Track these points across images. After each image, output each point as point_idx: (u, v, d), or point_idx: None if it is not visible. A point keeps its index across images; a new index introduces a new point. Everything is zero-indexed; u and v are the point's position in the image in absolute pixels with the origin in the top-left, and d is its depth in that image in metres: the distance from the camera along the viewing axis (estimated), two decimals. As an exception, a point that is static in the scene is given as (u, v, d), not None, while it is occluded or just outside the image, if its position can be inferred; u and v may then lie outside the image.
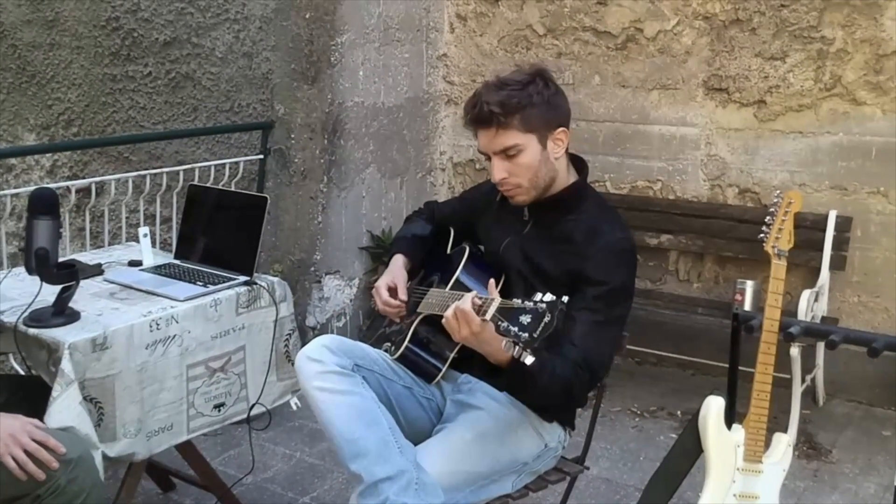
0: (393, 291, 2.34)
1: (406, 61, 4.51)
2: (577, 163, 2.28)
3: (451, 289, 2.20)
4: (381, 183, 4.50)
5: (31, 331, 2.21)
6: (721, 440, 2.21)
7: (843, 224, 3.81)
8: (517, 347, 1.72)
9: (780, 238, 2.26)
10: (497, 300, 1.81)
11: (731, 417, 2.26)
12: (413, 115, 4.62)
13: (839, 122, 3.85)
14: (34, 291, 2.25)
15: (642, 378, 4.21)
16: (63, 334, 2.17)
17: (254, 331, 2.58)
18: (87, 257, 2.85)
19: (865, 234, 3.84)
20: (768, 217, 2.29)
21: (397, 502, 1.93)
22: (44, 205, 2.22)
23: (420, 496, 1.95)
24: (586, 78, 4.38)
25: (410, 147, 4.65)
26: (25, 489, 1.95)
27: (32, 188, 2.49)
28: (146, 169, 3.87)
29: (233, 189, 3.89)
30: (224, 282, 2.55)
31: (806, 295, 3.54)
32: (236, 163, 4.06)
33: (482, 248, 2.38)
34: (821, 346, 3.81)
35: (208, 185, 3.68)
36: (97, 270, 2.63)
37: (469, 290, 1.96)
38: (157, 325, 2.32)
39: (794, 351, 3.43)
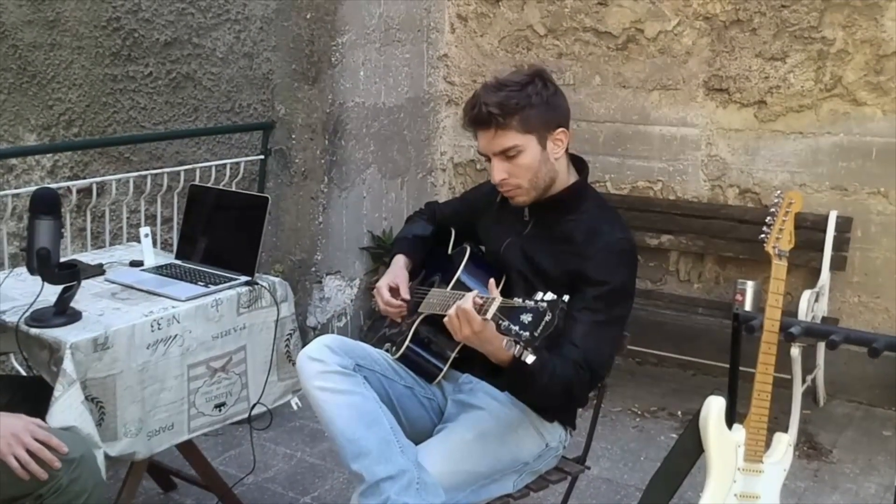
0: (394, 291, 2.34)
1: (407, 62, 4.52)
2: (578, 163, 2.28)
3: (453, 289, 2.20)
4: (382, 183, 4.50)
5: (33, 331, 2.22)
6: (722, 440, 2.22)
7: (844, 224, 3.81)
8: (518, 346, 1.73)
9: (780, 238, 2.26)
10: (498, 299, 1.81)
11: (732, 417, 2.26)
12: (414, 115, 4.62)
13: (839, 123, 3.85)
14: (35, 291, 2.25)
15: (643, 378, 4.21)
16: (65, 334, 2.17)
17: (255, 331, 2.58)
18: (89, 257, 2.85)
19: (866, 235, 3.85)
20: (769, 217, 2.29)
21: (398, 502, 1.93)
22: (45, 205, 2.22)
23: (421, 496, 1.96)
24: (587, 78, 4.38)
25: (411, 147, 4.65)
26: (27, 489, 1.95)
27: (33, 188, 2.50)
28: (147, 169, 3.88)
29: (233, 189, 3.90)
30: (225, 282, 2.55)
31: (806, 295, 3.54)
32: (237, 163, 4.07)
33: (483, 248, 2.38)
34: (821, 347, 3.81)
35: (209, 185, 3.69)
36: (98, 270, 2.64)
37: (470, 290, 1.96)
38: (159, 324, 2.32)
39: (795, 351, 3.43)
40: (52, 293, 2.26)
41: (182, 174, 3.84)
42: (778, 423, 3.11)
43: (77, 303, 2.30)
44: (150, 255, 2.76)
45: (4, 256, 3.34)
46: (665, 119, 4.23)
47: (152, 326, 2.31)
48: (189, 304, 2.42)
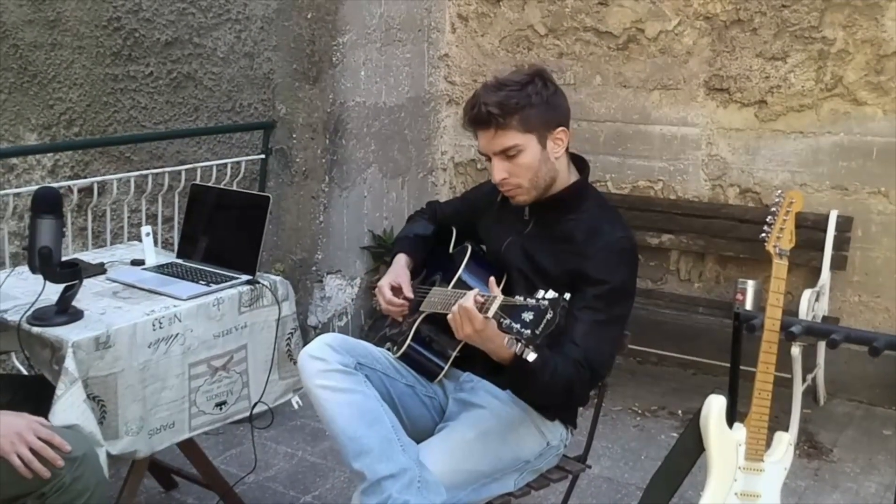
0: (396, 291, 2.34)
1: (407, 61, 4.52)
2: (579, 162, 2.28)
3: (454, 288, 2.21)
4: (383, 183, 4.50)
5: (35, 329, 2.22)
6: (723, 439, 2.22)
7: (844, 224, 3.82)
8: (519, 344, 1.73)
9: (781, 238, 2.26)
10: (499, 297, 1.81)
11: (733, 416, 2.27)
12: (414, 114, 4.63)
13: (840, 123, 3.85)
14: (37, 290, 2.26)
15: (643, 377, 4.22)
16: (66, 333, 2.17)
17: (256, 329, 2.58)
18: (90, 256, 2.85)
19: (866, 234, 3.85)
20: (770, 217, 2.30)
21: (400, 500, 1.93)
22: (47, 204, 2.23)
23: (422, 494, 1.96)
24: (587, 78, 4.38)
25: (412, 147, 4.65)
26: (30, 487, 1.95)
27: (34, 188, 2.50)
28: (148, 169, 3.88)
29: (234, 189, 3.90)
30: (226, 281, 2.56)
31: (807, 295, 3.54)
32: (238, 162, 4.07)
33: (484, 247, 2.39)
34: (821, 346, 3.81)
35: (210, 184, 3.69)
36: (100, 269, 2.64)
37: (471, 289, 1.97)
38: (160, 323, 2.32)
39: (795, 350, 3.43)
40: (53, 292, 2.26)
41: (183, 174, 3.84)
42: (778, 422, 3.11)
43: (78, 302, 2.30)
44: (152, 254, 2.76)
45: (6, 255, 3.34)
46: (666, 119, 4.23)
47: (154, 325, 2.31)
48: (190, 302, 2.42)
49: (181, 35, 4.14)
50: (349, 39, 4.15)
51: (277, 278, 2.66)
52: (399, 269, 2.42)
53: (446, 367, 2.26)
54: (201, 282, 2.55)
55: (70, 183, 3.58)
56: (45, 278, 2.23)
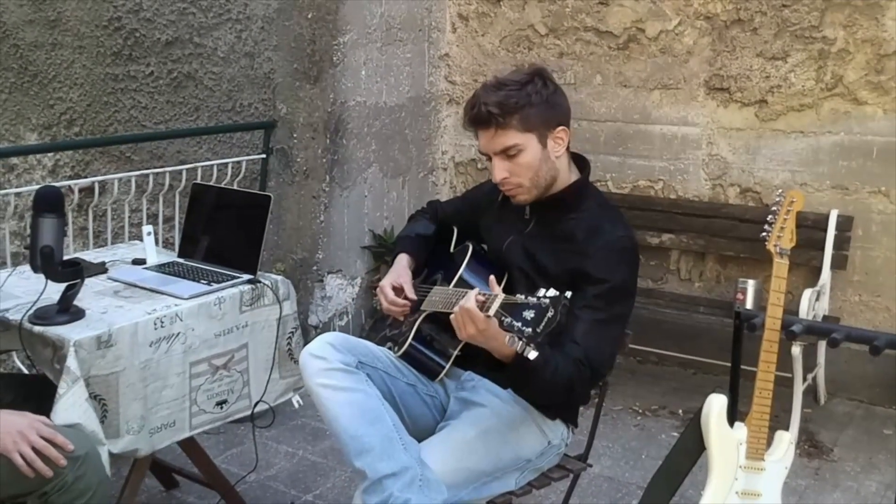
0: (398, 291, 2.34)
1: (408, 61, 4.52)
2: (579, 161, 2.28)
3: (455, 286, 2.21)
4: (384, 182, 4.51)
5: (36, 328, 2.22)
6: (723, 438, 2.22)
7: (845, 223, 3.82)
8: (521, 342, 1.73)
9: (782, 237, 2.27)
10: (500, 296, 1.82)
11: (734, 415, 2.27)
12: (415, 114, 4.63)
13: (840, 122, 3.86)
14: (38, 289, 2.26)
15: (644, 377, 4.22)
16: (68, 332, 2.18)
17: (257, 329, 2.59)
18: (91, 256, 2.85)
19: (866, 234, 3.85)
20: (770, 216, 2.30)
21: (401, 498, 1.93)
22: (49, 203, 2.23)
23: (424, 493, 1.96)
24: (588, 78, 4.38)
25: (412, 146, 4.65)
26: (32, 486, 1.95)
27: (35, 187, 2.50)
28: (148, 168, 3.88)
29: (235, 188, 3.90)
30: (228, 280, 2.56)
31: (807, 294, 3.55)
32: (238, 162, 4.07)
33: (485, 246, 2.39)
34: (822, 345, 3.82)
35: (211, 183, 3.69)
36: (101, 269, 2.64)
37: (472, 288, 1.97)
38: (162, 322, 2.33)
39: (796, 350, 3.44)
40: (55, 291, 2.26)
41: (184, 173, 3.85)
42: (779, 421, 3.12)
43: (80, 301, 2.31)
44: (153, 254, 2.76)
45: (7, 255, 3.34)
46: (666, 118, 4.23)
47: (155, 324, 2.31)
48: (192, 301, 2.42)
49: (182, 35, 4.14)
50: (350, 39, 4.15)
51: (278, 277, 2.67)
52: (401, 269, 2.41)
53: (447, 366, 2.26)
54: (202, 281, 2.55)
55: (71, 182, 3.58)
56: (47, 277, 2.23)
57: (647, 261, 4.27)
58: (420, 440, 2.11)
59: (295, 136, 4.15)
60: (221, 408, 2.53)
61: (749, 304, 3.70)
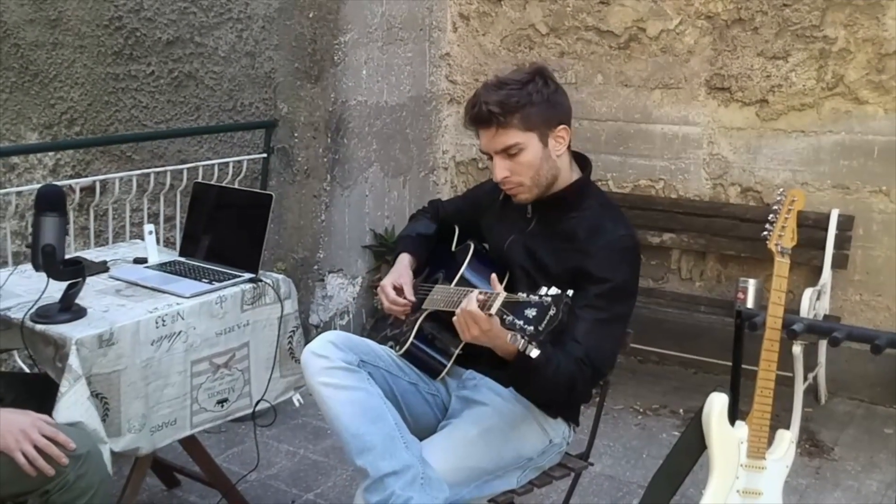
0: (399, 290, 2.34)
1: (409, 60, 4.52)
2: (581, 160, 2.28)
3: (456, 285, 2.21)
4: (384, 181, 4.51)
5: (38, 327, 2.22)
6: (725, 436, 2.23)
7: (845, 223, 3.82)
8: (522, 341, 1.73)
9: (783, 236, 2.27)
10: (502, 294, 1.82)
11: (735, 414, 2.27)
12: (416, 114, 4.63)
13: (841, 122, 3.86)
14: (40, 288, 2.26)
15: (645, 376, 4.22)
16: (70, 330, 2.18)
17: (258, 327, 2.59)
18: (93, 255, 2.85)
19: (867, 233, 3.85)
20: (771, 215, 2.30)
21: (403, 497, 1.93)
22: (51, 202, 2.23)
23: (425, 491, 1.96)
24: (589, 77, 4.39)
25: (413, 146, 4.66)
26: (34, 485, 1.95)
27: (35, 186, 2.50)
28: (149, 168, 3.88)
29: (237, 187, 3.90)
30: (229, 279, 2.56)
31: (808, 293, 3.55)
32: (239, 161, 4.08)
33: (486, 245, 2.39)
34: (823, 345, 3.82)
35: (212, 182, 3.69)
36: (103, 267, 2.64)
37: (474, 287, 1.97)
38: (163, 321, 2.33)
39: (797, 349, 3.44)
40: (56, 290, 2.27)
41: (185, 172, 3.85)
42: (780, 420, 3.11)
43: (82, 299, 2.31)
44: (155, 252, 2.77)
45: (8, 254, 3.34)
46: (667, 118, 4.23)
47: (156, 323, 2.32)
48: (193, 300, 2.43)
49: (182, 34, 4.14)
50: (351, 38, 4.15)
51: (280, 276, 2.67)
52: (402, 269, 2.42)
53: (449, 365, 2.26)
54: (204, 280, 2.55)
55: (72, 181, 3.58)
56: (49, 276, 2.23)
57: (648, 260, 4.27)
58: (422, 439, 2.11)
59: (296, 135, 4.15)
60: (222, 406, 2.53)
61: (750, 304, 3.70)
